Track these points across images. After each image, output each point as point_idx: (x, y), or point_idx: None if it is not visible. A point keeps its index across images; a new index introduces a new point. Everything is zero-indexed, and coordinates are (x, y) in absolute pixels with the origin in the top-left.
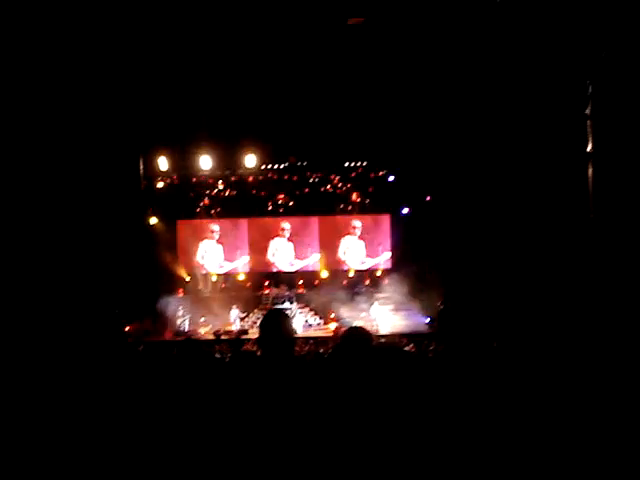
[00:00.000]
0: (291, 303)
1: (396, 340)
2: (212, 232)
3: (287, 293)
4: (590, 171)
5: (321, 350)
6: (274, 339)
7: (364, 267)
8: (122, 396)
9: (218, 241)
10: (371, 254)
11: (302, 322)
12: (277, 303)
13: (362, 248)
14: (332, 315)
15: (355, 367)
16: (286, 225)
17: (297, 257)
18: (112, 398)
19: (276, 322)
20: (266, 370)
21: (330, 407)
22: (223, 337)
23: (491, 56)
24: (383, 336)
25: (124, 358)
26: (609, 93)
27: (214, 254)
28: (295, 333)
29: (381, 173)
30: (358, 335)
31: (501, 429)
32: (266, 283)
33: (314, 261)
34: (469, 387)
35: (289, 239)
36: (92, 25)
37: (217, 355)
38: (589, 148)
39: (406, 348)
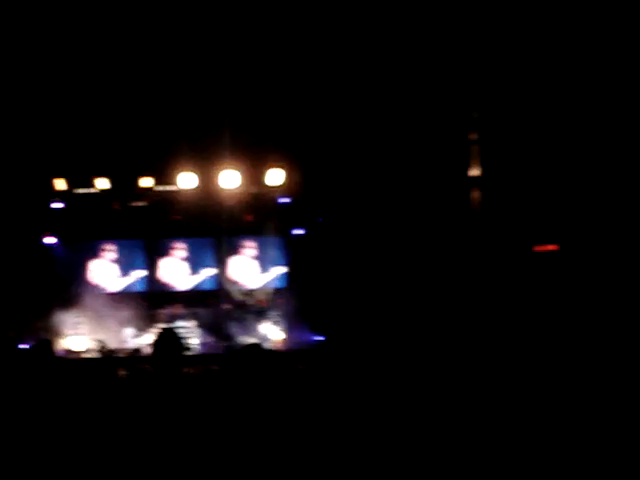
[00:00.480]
0: (186, 321)
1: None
2: (106, 252)
3: (181, 312)
4: (476, 195)
5: (213, 368)
6: (166, 357)
7: (257, 286)
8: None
9: (113, 260)
10: (264, 273)
11: (197, 340)
12: (172, 322)
13: (255, 267)
14: (226, 333)
15: (244, 384)
16: (180, 245)
17: (189, 276)
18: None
19: (168, 341)
20: (158, 388)
21: (220, 423)
22: (118, 356)
23: (380, 79)
24: (274, 353)
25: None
26: (495, 118)
27: (109, 273)
28: (187, 351)
29: (275, 195)
30: (247, 353)
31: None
32: (161, 302)
33: (208, 280)
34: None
35: (183, 259)
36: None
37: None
38: (474, 172)
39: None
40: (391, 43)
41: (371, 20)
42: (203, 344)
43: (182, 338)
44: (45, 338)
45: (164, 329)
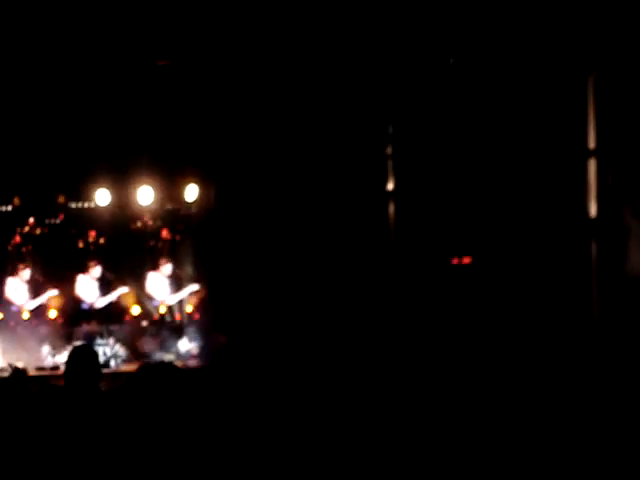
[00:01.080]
0: (103, 338)
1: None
2: (20, 269)
3: (98, 329)
4: (392, 209)
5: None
6: (79, 374)
7: (173, 302)
8: None
9: (27, 278)
10: (180, 290)
11: (114, 357)
12: (89, 338)
13: (172, 284)
14: (142, 350)
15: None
16: (95, 262)
17: (104, 293)
18: None
19: (81, 358)
20: (71, 405)
21: (132, 440)
22: (35, 374)
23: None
24: (193, 370)
25: None
26: (410, 133)
27: (22, 290)
28: (102, 368)
29: (191, 210)
30: (152, 370)
31: None
32: (77, 319)
33: (122, 296)
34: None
35: (99, 275)
36: None
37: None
38: (390, 187)
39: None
40: (307, 56)
41: (283, 31)
42: (120, 361)
43: (96, 355)
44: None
45: (79, 346)
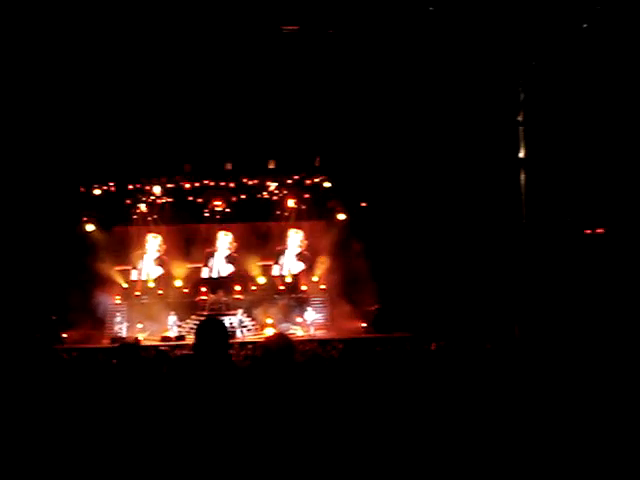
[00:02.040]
0: (229, 308)
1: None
2: (149, 240)
3: (224, 299)
4: (522, 177)
5: (257, 354)
6: (209, 346)
7: (297, 271)
8: (53, 403)
9: (155, 247)
10: (307, 260)
11: (240, 327)
12: (214, 309)
13: (298, 253)
14: (268, 320)
15: (276, 375)
16: (222, 235)
17: (230, 263)
18: (43, 404)
19: (211, 329)
20: (201, 376)
21: (260, 411)
22: (162, 343)
23: (426, 63)
24: (317, 341)
25: (58, 365)
26: (540, 100)
27: (151, 260)
28: (231, 338)
29: (317, 180)
30: (279, 344)
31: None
32: (203, 289)
33: (248, 266)
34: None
35: (227, 245)
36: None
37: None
38: (521, 154)
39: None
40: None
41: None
42: (246, 330)
43: (225, 327)
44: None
45: (207, 318)
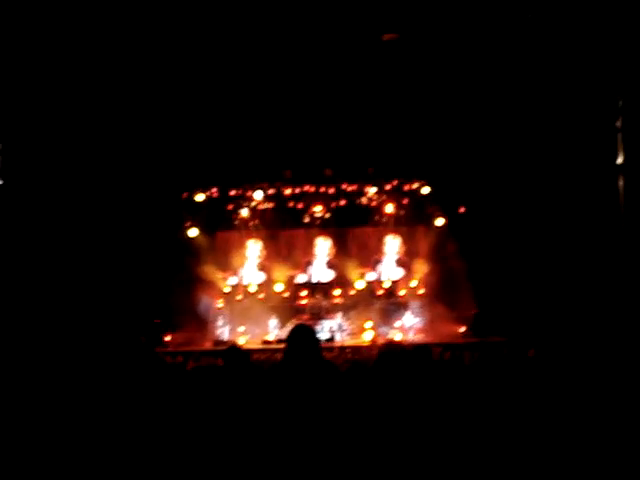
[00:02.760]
0: (329, 312)
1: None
2: (250, 245)
3: (323, 303)
4: (621, 183)
5: (356, 358)
6: (299, 352)
7: (398, 277)
8: (163, 405)
9: (255, 252)
10: (405, 265)
11: (339, 331)
12: (313, 313)
13: (396, 259)
14: (367, 325)
15: (392, 383)
16: (321, 240)
17: (329, 267)
18: (149, 408)
19: (302, 337)
20: (295, 381)
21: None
22: (261, 346)
23: (525, 69)
24: (417, 346)
25: (163, 368)
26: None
27: (252, 265)
28: (330, 342)
29: (415, 185)
30: (395, 352)
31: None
32: (303, 293)
33: (347, 270)
34: (505, 398)
35: (324, 250)
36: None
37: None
38: (620, 160)
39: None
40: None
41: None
42: (345, 335)
43: (315, 334)
44: (235, 345)
45: (298, 325)
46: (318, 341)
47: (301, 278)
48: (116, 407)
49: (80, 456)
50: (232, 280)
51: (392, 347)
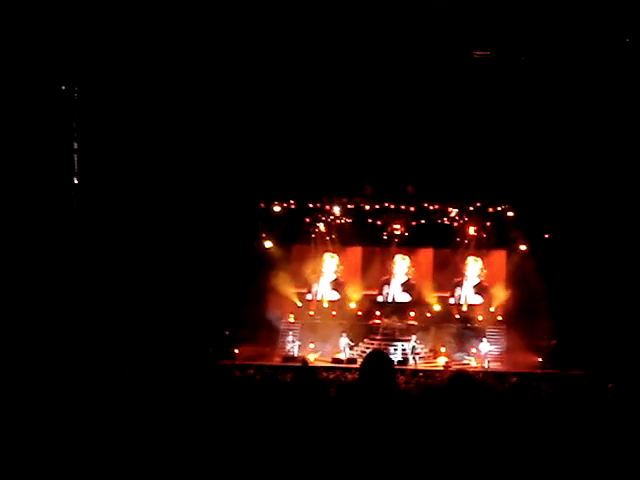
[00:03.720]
0: (403, 334)
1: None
2: (326, 260)
3: (398, 324)
4: None
5: (428, 382)
6: (374, 380)
7: (475, 302)
8: (227, 418)
9: (332, 269)
10: (483, 291)
11: (413, 354)
12: (387, 334)
13: (476, 283)
14: (442, 349)
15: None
16: (399, 259)
17: (405, 289)
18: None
19: (377, 366)
20: (365, 405)
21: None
22: (333, 364)
23: (614, 97)
24: (491, 373)
25: (229, 381)
26: None
27: (327, 281)
28: (403, 364)
29: (500, 208)
30: (465, 382)
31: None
32: (377, 313)
33: (423, 293)
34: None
35: (402, 270)
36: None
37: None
38: None
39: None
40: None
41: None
42: (418, 358)
43: (391, 363)
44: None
45: (375, 351)
46: (394, 370)
47: (377, 297)
48: (173, 415)
49: (137, 461)
50: (307, 295)
51: (462, 374)
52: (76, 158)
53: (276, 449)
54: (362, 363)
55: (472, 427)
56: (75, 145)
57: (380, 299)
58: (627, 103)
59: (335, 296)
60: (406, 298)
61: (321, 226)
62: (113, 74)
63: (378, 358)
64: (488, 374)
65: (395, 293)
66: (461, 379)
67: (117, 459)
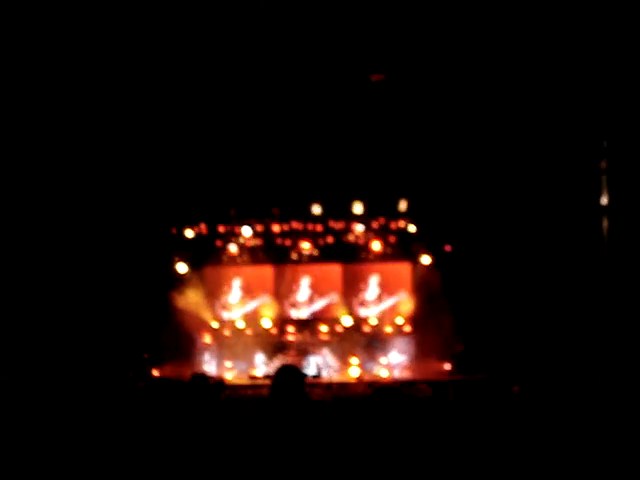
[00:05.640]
0: (315, 348)
1: (415, 387)
2: (237, 280)
3: (310, 339)
4: (605, 224)
5: (341, 394)
6: (284, 394)
7: (384, 314)
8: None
9: (241, 286)
10: (392, 302)
11: (326, 367)
12: (300, 349)
13: (382, 295)
14: (354, 361)
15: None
16: (307, 271)
17: (317, 302)
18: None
19: (286, 378)
20: (276, 419)
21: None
22: (250, 382)
23: (512, 109)
24: (402, 383)
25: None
26: (623, 147)
27: (238, 300)
28: (315, 377)
29: (402, 223)
30: (388, 390)
31: None
32: (289, 329)
33: (333, 307)
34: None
35: (310, 285)
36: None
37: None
38: (604, 201)
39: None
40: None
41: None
42: (332, 371)
43: (302, 375)
44: (200, 373)
45: (284, 366)
46: (304, 382)
47: (288, 314)
48: (99, 435)
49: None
50: (220, 316)
51: (385, 385)
52: None
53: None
54: (273, 378)
55: (389, 435)
56: None
57: (291, 316)
58: (523, 119)
59: (248, 315)
60: (316, 313)
61: (232, 248)
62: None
63: (286, 371)
64: (398, 383)
65: (305, 310)
66: (386, 391)
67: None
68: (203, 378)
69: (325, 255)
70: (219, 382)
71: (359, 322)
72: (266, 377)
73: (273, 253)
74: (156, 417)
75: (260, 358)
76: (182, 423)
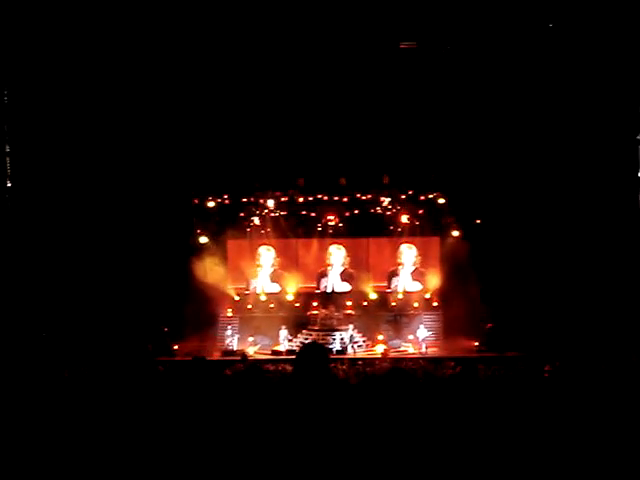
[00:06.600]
0: (341, 324)
1: (443, 364)
2: (262, 253)
3: (335, 314)
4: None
5: (367, 371)
6: (309, 374)
7: (412, 289)
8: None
9: (269, 262)
10: (419, 277)
11: (351, 343)
12: (325, 324)
13: (413, 270)
14: (380, 337)
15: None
16: (335, 249)
17: (342, 279)
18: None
19: (311, 357)
20: (300, 397)
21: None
22: (273, 357)
23: (547, 82)
24: (429, 359)
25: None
26: None
27: (266, 274)
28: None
29: (431, 195)
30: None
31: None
32: (314, 304)
33: (360, 282)
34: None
35: (338, 260)
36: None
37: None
38: None
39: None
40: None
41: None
42: (357, 347)
43: (325, 352)
44: (200, 356)
45: (308, 343)
46: (328, 360)
47: (314, 289)
48: (112, 411)
49: (76, 459)
50: (245, 289)
51: (397, 370)
52: (8, 160)
53: (218, 443)
54: (296, 355)
55: (411, 416)
56: (7, 148)
57: (317, 290)
58: (553, 92)
59: (275, 288)
60: (346, 287)
61: (256, 220)
62: (40, 75)
63: (311, 349)
64: (426, 360)
65: (334, 283)
66: (396, 374)
67: (55, 458)
68: (202, 360)
69: (351, 228)
70: (242, 356)
71: (386, 297)
72: (289, 353)
73: (298, 226)
74: (177, 396)
75: (283, 333)
76: (205, 401)
